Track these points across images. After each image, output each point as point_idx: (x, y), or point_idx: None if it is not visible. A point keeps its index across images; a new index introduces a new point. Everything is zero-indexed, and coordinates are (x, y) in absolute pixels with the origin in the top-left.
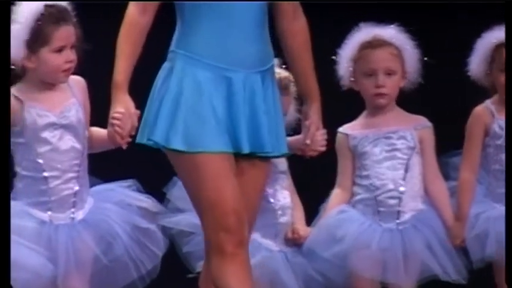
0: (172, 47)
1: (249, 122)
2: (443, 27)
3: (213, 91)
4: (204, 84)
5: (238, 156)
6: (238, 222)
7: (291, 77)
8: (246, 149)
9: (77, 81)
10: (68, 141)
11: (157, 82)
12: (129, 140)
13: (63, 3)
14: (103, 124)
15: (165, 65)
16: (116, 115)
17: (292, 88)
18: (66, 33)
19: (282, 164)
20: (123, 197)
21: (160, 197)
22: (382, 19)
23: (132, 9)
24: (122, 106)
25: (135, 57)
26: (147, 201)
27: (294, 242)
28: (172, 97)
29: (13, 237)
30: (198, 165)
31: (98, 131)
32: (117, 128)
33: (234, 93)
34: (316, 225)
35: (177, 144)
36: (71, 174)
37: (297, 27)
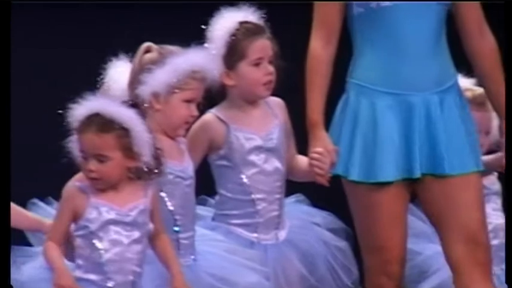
0: (347, 77)
1: (427, 145)
2: None
3: (387, 119)
4: (378, 113)
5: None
6: (401, 270)
7: None
8: (419, 171)
9: (277, 102)
10: (273, 164)
11: (337, 113)
12: (330, 175)
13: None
14: None
15: (344, 95)
16: (315, 155)
17: None
18: (262, 45)
19: (495, 185)
20: (307, 214)
21: None
22: None
23: (314, 43)
24: (320, 145)
25: (325, 90)
26: (328, 218)
27: None
28: (350, 128)
29: (227, 256)
30: (373, 202)
31: (303, 161)
32: (316, 169)
33: (409, 118)
34: None
35: (355, 175)
36: (275, 196)
37: (484, 47)
